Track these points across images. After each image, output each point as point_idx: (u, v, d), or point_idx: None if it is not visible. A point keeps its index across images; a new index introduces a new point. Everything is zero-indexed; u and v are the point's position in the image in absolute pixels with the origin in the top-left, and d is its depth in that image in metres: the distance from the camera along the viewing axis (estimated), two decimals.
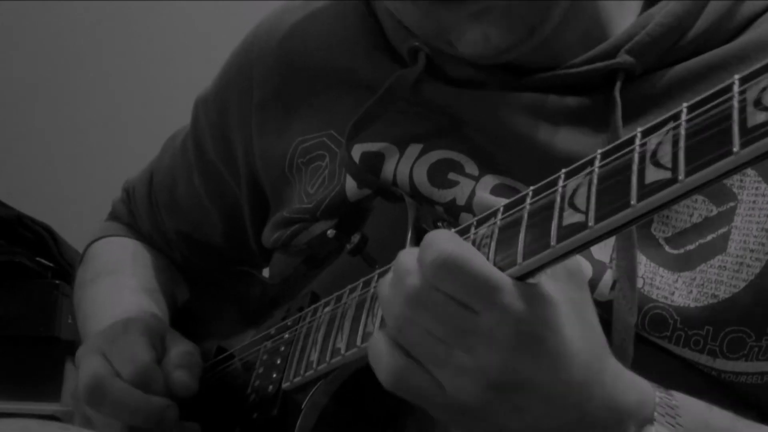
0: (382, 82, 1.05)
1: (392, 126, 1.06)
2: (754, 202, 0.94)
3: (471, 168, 1.02)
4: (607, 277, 0.94)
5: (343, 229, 1.01)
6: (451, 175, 1.02)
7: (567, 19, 1.00)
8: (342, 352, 0.88)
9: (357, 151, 1.07)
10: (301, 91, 1.15)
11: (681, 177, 0.62)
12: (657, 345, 0.93)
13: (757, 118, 0.59)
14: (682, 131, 0.64)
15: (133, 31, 3.21)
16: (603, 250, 0.95)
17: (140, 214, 1.39)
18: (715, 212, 0.95)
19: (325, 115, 1.12)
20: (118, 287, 1.28)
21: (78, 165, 3.10)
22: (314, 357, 0.92)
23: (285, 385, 0.96)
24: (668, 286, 0.94)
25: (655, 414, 0.78)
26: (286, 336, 1.00)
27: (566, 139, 0.99)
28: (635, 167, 0.66)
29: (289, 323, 1.01)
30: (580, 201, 0.70)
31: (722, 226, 0.94)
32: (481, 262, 0.73)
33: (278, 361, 0.99)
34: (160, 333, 1.10)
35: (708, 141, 0.62)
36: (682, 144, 0.64)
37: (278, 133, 1.16)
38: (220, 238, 1.32)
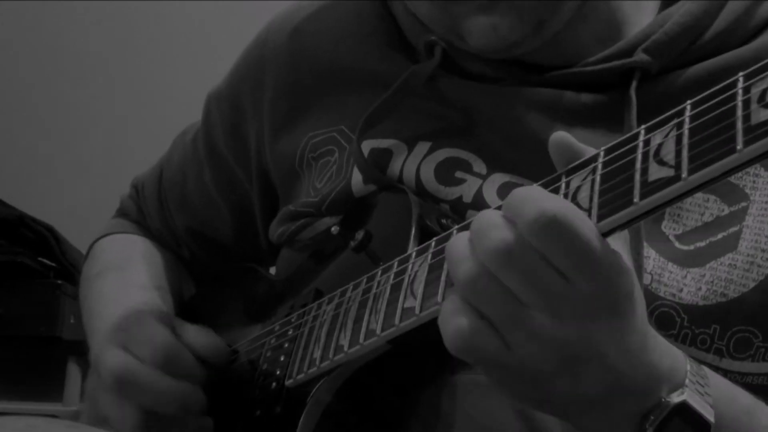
0: (396, 79, 1.05)
1: (402, 123, 1.06)
2: (766, 202, 0.95)
3: (479, 167, 1.02)
4: None
5: (347, 226, 1.01)
6: (459, 174, 1.02)
7: (581, 18, 1.00)
8: (345, 349, 0.88)
9: (366, 147, 1.07)
10: (313, 88, 1.15)
11: (684, 175, 0.62)
12: None
13: (761, 115, 0.59)
14: (686, 128, 0.64)
15: (135, 31, 3.21)
16: (613, 244, 0.94)
17: (149, 210, 1.39)
18: (726, 212, 0.95)
19: (337, 111, 1.12)
20: (125, 283, 1.27)
21: (80, 165, 3.10)
22: (317, 354, 0.92)
23: (288, 382, 0.95)
24: (677, 283, 0.93)
25: (686, 380, 0.77)
26: (290, 333, 1.00)
27: (579, 137, 0.98)
28: (638, 165, 0.66)
29: (292, 320, 1.01)
30: (583, 198, 0.70)
31: (733, 225, 0.94)
32: (586, 227, 0.69)
33: (282, 358, 0.99)
34: (170, 322, 1.09)
35: (711, 138, 0.62)
36: (685, 141, 0.64)
37: (290, 129, 1.16)
38: (230, 235, 1.32)
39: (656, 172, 0.65)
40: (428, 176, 1.03)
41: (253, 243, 1.28)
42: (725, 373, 0.92)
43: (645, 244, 0.94)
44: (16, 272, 2.42)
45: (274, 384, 0.98)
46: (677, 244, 0.95)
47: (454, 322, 0.73)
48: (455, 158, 1.03)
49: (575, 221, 0.68)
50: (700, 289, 0.93)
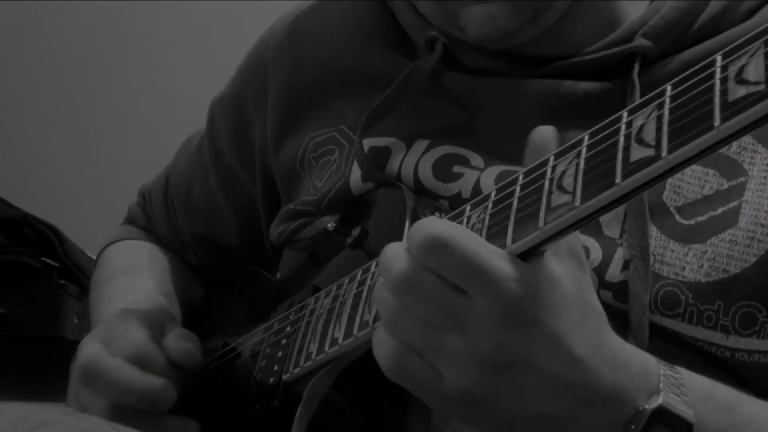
0: (396, 77, 1.06)
1: (401, 121, 1.06)
2: (765, 177, 0.95)
3: (476, 161, 1.02)
4: (618, 256, 0.94)
5: (346, 223, 1.01)
6: (456, 168, 1.02)
7: (580, 11, 1.01)
8: (340, 341, 0.88)
9: (365, 145, 1.07)
10: (314, 89, 1.15)
11: (664, 154, 0.62)
12: (668, 332, 0.93)
13: (737, 92, 0.59)
14: (666, 109, 0.64)
15: (140, 33, 3.21)
16: (613, 227, 0.95)
17: (156, 217, 1.40)
18: (725, 186, 0.95)
19: (337, 111, 1.12)
20: (134, 289, 1.28)
21: (83, 165, 3.11)
22: (313, 348, 0.92)
23: (285, 376, 0.96)
24: (679, 261, 0.93)
25: (661, 385, 0.77)
26: (288, 329, 1.00)
27: (579, 125, 0.98)
28: (620, 146, 0.66)
29: (290, 316, 1.01)
30: (567, 182, 0.70)
31: (733, 199, 0.94)
32: (472, 242, 0.72)
33: (279, 354, 0.99)
34: (159, 321, 1.10)
35: (690, 117, 0.62)
36: (665, 121, 0.63)
37: (292, 131, 1.16)
38: (236, 240, 1.33)
39: (637, 153, 0.65)
40: (426, 173, 1.03)
41: (258, 248, 1.28)
42: (733, 352, 0.93)
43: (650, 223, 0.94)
44: (20, 272, 2.41)
45: (271, 379, 0.98)
46: (678, 218, 0.95)
47: (383, 349, 0.77)
48: (453, 154, 1.03)
49: (457, 236, 0.72)
50: (702, 266, 0.93)
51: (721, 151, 0.93)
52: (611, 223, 0.95)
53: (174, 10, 3.19)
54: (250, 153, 1.24)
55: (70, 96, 3.17)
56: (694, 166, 0.95)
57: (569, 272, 0.75)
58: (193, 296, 1.33)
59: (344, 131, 1.11)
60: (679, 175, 0.96)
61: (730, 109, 0.59)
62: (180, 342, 1.05)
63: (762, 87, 0.57)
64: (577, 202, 0.68)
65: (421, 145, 1.05)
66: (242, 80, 1.25)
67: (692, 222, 0.95)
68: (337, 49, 1.15)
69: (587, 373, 0.75)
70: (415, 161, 1.04)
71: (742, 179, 0.95)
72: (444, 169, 1.03)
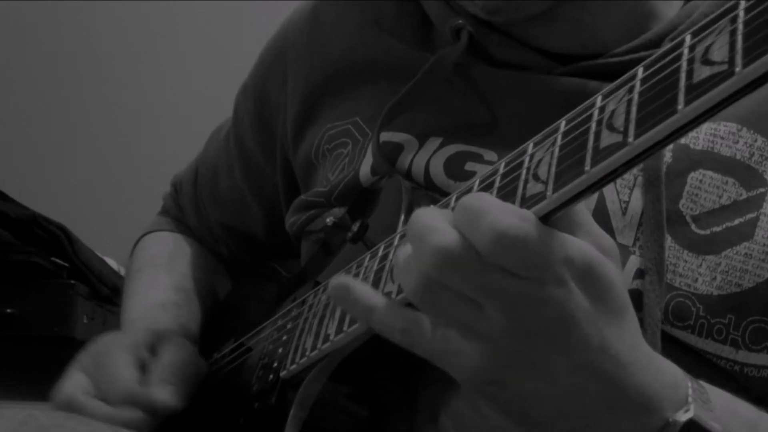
0: (416, 70, 1.04)
1: (416, 117, 1.05)
2: None
3: (490, 156, 1.01)
4: (631, 264, 0.92)
5: (354, 216, 1.00)
6: (469, 165, 1.01)
7: (604, 6, 1.00)
8: (331, 338, 0.87)
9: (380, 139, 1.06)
10: (332, 79, 1.15)
11: (630, 140, 0.60)
12: (677, 343, 0.91)
13: (702, 72, 0.57)
14: (636, 92, 0.62)
15: (146, 33, 3.23)
16: (626, 234, 0.93)
17: (187, 208, 1.41)
18: (744, 196, 0.93)
19: (353, 103, 1.12)
20: (153, 284, 1.31)
21: (93, 165, 3.13)
22: (309, 344, 0.92)
23: (282, 373, 0.95)
24: (692, 272, 0.92)
25: (690, 398, 0.74)
26: (289, 325, 1.00)
27: None
28: (592, 132, 0.65)
29: (292, 312, 1.01)
30: (542, 171, 0.68)
31: (751, 211, 0.93)
32: (546, 240, 0.66)
33: (280, 350, 0.99)
34: (148, 344, 1.10)
35: (657, 100, 0.60)
36: (634, 105, 0.62)
37: (309, 120, 1.16)
38: (262, 230, 1.33)
39: (607, 139, 0.63)
40: (437, 171, 1.02)
41: (284, 238, 1.27)
42: (742, 367, 0.91)
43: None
44: (29, 272, 2.42)
45: (271, 376, 0.98)
46: (693, 227, 0.93)
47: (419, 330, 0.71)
48: (465, 152, 1.02)
49: (531, 235, 0.65)
50: (714, 278, 0.91)
51: (741, 159, 0.93)
52: (625, 230, 0.93)
53: (186, 9, 3.20)
54: (272, 142, 1.24)
55: (80, 97, 3.19)
56: (712, 174, 0.94)
57: (615, 269, 0.71)
58: (220, 289, 1.35)
59: (359, 124, 1.10)
60: (697, 183, 0.94)
61: (694, 91, 0.57)
62: (157, 387, 1.05)
63: (725, 67, 0.55)
64: (549, 192, 0.66)
65: (433, 142, 1.04)
66: (263, 69, 1.25)
67: (708, 232, 0.93)
68: (356, 40, 1.14)
69: (622, 369, 0.71)
70: (426, 158, 1.03)
71: (762, 190, 0.93)
72: (456, 167, 1.01)
